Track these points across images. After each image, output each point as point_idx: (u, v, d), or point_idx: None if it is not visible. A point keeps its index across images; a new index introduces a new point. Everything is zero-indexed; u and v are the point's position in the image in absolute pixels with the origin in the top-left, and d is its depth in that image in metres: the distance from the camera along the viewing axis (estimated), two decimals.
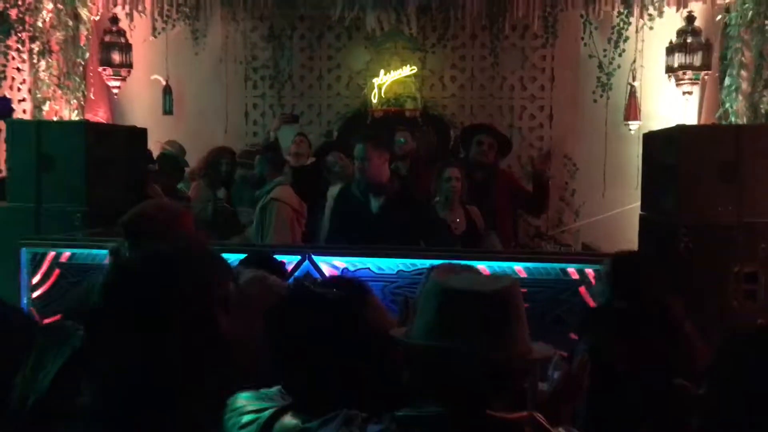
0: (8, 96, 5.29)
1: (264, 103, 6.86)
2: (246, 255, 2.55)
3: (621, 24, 5.89)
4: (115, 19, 6.29)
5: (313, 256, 3.25)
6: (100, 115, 6.38)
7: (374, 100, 6.57)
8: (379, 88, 6.56)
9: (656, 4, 5.75)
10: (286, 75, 6.72)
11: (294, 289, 1.50)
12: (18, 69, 5.47)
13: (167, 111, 6.59)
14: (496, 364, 1.23)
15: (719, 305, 3.40)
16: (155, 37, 6.30)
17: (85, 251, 3.52)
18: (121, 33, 6.35)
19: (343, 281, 1.45)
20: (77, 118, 5.69)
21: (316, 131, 6.59)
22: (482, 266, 3.17)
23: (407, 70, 6.55)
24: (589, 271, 3.21)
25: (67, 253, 3.55)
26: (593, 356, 1.89)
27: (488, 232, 4.27)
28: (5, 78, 5.27)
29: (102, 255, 3.21)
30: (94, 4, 6.02)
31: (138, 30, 6.34)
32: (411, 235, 3.73)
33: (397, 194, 3.99)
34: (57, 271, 3.54)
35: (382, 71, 6.55)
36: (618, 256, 2.60)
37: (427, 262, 3.22)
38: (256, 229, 4.29)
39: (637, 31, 5.90)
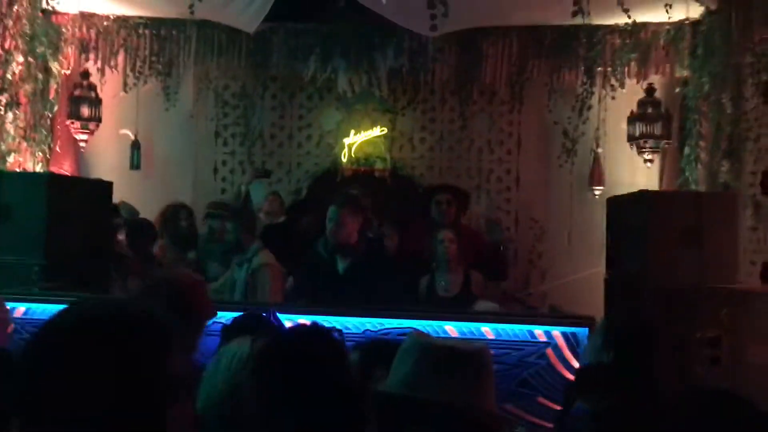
0: None
1: (234, 160, 6.87)
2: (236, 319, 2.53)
3: (584, 93, 6.07)
4: (86, 74, 6.29)
5: (277, 314, 3.18)
6: (65, 168, 6.29)
7: (344, 160, 6.63)
8: (350, 148, 6.63)
9: (618, 76, 5.97)
10: (257, 133, 6.75)
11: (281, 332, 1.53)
12: None
13: (135, 166, 6.53)
14: (467, 416, 1.29)
15: (682, 370, 3.40)
16: (126, 92, 6.30)
17: (41, 306, 3.40)
18: (92, 87, 6.33)
19: (316, 327, 1.51)
20: (41, 171, 5.60)
21: (286, 189, 6.59)
22: (450, 326, 3.15)
23: (377, 131, 6.65)
24: (556, 333, 3.20)
25: (21, 308, 3.42)
26: (605, 418, 1.87)
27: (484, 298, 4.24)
28: None
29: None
30: (65, 58, 6.02)
31: (109, 84, 6.33)
32: (379, 297, 3.69)
33: (364, 256, 3.94)
34: (10, 327, 3.39)
35: (352, 131, 6.64)
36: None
37: (395, 322, 3.18)
38: (241, 292, 4.15)
39: (600, 101, 6.09)
